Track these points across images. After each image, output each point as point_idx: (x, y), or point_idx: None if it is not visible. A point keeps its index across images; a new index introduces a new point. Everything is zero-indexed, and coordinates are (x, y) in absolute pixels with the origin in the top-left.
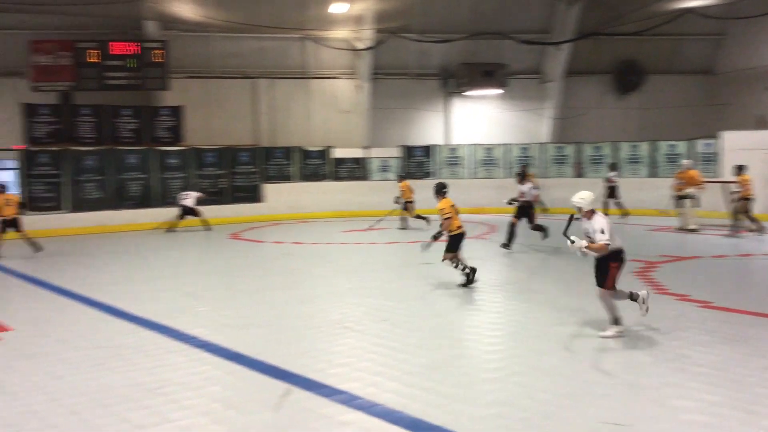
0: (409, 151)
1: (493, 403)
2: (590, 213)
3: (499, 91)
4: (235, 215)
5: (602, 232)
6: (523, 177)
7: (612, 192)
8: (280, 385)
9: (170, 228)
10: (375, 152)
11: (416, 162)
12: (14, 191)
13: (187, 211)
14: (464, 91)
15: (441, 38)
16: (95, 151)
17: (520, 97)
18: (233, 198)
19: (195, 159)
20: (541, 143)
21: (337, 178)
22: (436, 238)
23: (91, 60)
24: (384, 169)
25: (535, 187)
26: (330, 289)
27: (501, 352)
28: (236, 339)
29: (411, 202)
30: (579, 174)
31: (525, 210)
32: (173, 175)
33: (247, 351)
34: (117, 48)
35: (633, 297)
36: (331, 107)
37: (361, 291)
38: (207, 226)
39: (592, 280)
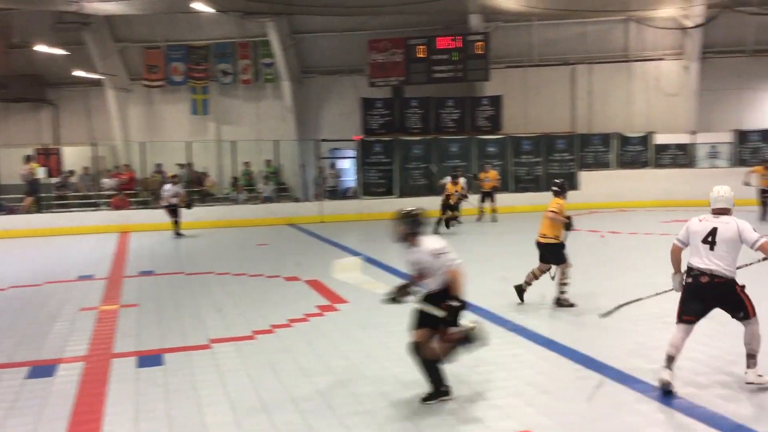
0: (743, 136)
1: None
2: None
3: None
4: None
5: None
6: None
7: None
8: (593, 375)
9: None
10: (702, 137)
11: (751, 147)
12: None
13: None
14: None
15: None
16: (421, 141)
17: None
18: (549, 185)
19: (512, 147)
20: None
21: (659, 165)
22: None
23: (420, 55)
24: (712, 155)
25: None
26: (648, 281)
27: None
28: (550, 325)
29: None
30: None
31: None
32: (491, 162)
33: (560, 338)
34: (443, 42)
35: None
36: (654, 91)
37: None
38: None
39: None
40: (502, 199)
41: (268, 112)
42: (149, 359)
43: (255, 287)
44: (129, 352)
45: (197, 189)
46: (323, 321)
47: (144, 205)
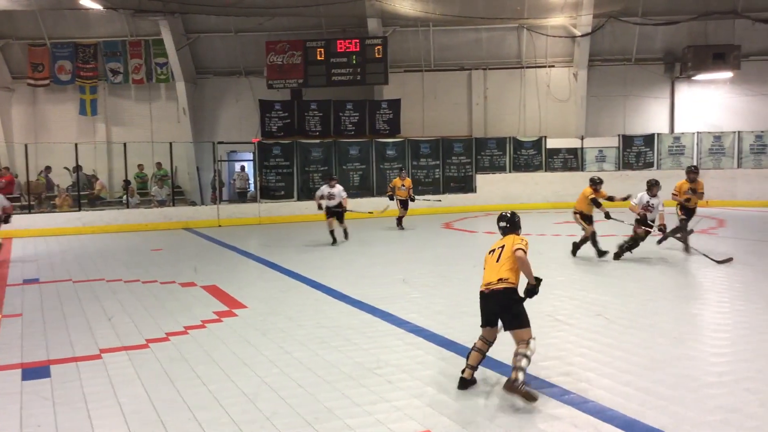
0: (628, 141)
1: (718, 409)
2: None
3: (731, 74)
4: (448, 205)
5: None
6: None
7: None
8: (491, 374)
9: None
10: (591, 142)
11: (635, 152)
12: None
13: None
14: (691, 76)
15: (665, 20)
16: (320, 144)
17: (756, 80)
18: (446, 188)
19: (411, 150)
20: None
21: (551, 168)
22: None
23: (318, 58)
24: (600, 159)
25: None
26: (545, 280)
27: (728, 355)
28: (449, 326)
29: None
30: None
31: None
32: (391, 165)
33: (458, 338)
34: (341, 46)
35: None
36: (546, 96)
37: (575, 284)
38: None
39: None
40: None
41: (161, 113)
42: (35, 371)
43: (148, 294)
44: (12, 365)
45: (86, 193)
46: (221, 327)
47: (27, 210)
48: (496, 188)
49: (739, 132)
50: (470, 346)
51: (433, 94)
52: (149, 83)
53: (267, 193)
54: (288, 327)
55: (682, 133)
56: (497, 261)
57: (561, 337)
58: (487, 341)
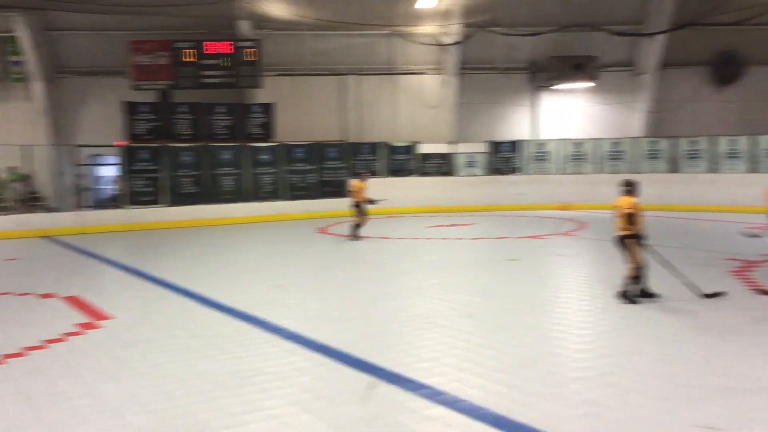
0: (496, 147)
1: (582, 404)
2: None
3: (590, 84)
4: (323, 210)
5: None
6: None
7: None
8: (367, 378)
9: None
10: (461, 148)
11: (503, 157)
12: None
13: None
14: (553, 85)
15: (530, 31)
16: (191, 148)
17: (612, 90)
18: (321, 193)
19: (285, 155)
20: (633, 138)
21: (424, 173)
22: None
23: (188, 59)
24: (470, 164)
25: None
26: (416, 284)
27: (591, 351)
28: (325, 332)
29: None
30: (674, 169)
31: None
32: (265, 170)
33: (335, 344)
34: (212, 47)
35: None
36: (418, 103)
37: (448, 286)
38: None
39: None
40: (275, 206)
41: (16, 114)
42: None
43: (3, 306)
44: None
45: None
46: (84, 340)
47: None
48: (372, 192)
49: (597, 139)
50: (347, 351)
51: (308, 98)
52: (3, 82)
53: (133, 198)
54: (158, 337)
55: (546, 140)
56: None
57: (435, 339)
58: None
